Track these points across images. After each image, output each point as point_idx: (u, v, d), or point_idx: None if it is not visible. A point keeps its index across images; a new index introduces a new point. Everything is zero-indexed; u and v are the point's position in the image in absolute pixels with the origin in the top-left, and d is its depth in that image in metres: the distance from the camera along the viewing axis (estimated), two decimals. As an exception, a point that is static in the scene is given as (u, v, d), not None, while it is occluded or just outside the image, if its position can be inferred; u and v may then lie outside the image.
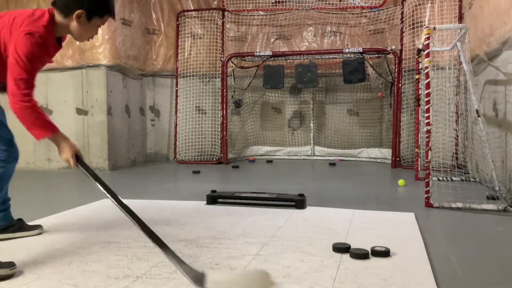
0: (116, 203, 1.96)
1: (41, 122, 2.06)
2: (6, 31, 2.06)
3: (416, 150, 4.77)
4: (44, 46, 2.07)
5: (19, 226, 2.50)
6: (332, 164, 6.28)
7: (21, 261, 2.04)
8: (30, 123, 2.03)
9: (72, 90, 5.84)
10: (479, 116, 3.63)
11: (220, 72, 6.60)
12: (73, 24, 2.13)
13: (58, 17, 2.12)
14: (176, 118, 6.71)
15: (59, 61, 5.77)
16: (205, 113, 6.78)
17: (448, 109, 5.26)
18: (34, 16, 2.08)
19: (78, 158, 2.08)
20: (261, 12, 6.86)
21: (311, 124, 7.07)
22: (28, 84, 2.01)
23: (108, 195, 1.99)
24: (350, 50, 6.27)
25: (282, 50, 6.86)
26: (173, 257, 1.73)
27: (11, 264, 1.90)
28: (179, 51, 6.76)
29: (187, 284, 1.76)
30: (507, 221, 2.87)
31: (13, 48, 2.00)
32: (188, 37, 6.77)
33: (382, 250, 2.10)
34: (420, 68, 4.65)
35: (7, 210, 2.50)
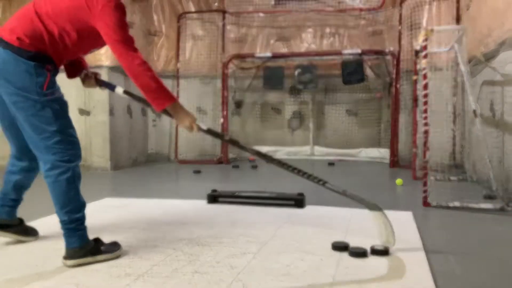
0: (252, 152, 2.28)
1: (164, 89, 2.06)
2: (82, 10, 1.97)
3: (414, 150, 4.80)
4: (124, 11, 2.04)
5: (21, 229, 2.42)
6: (331, 164, 6.31)
7: (21, 261, 2.07)
8: (153, 92, 2.02)
9: (74, 90, 5.84)
10: (476, 116, 3.66)
11: (220, 73, 6.63)
12: None
13: None
14: (177, 118, 6.72)
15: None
16: (206, 113, 6.81)
17: (445, 109, 5.29)
18: None
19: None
20: (261, 14, 6.88)
21: (311, 124, 7.09)
22: (136, 51, 2.00)
23: (239, 147, 2.28)
24: (349, 51, 6.30)
25: (282, 52, 6.88)
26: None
27: (117, 246, 2.07)
28: (180, 52, 6.78)
29: (188, 282, 1.79)
30: (504, 220, 2.90)
31: (104, 23, 1.96)
32: (189, 38, 6.80)
33: (381, 249, 2.13)
34: (418, 69, 4.68)
35: (14, 207, 2.40)
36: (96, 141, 5.79)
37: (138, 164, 6.52)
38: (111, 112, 5.82)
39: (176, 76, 6.77)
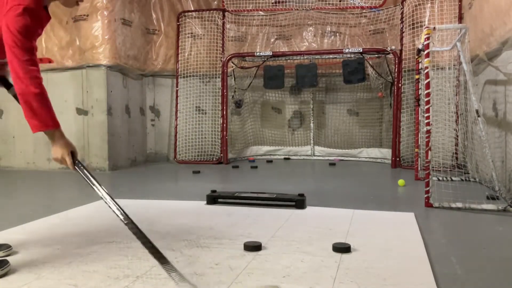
0: (110, 206, 1.89)
1: (47, 112, 1.87)
2: None
3: (416, 150, 4.77)
4: (37, 17, 1.89)
5: None
6: (332, 164, 6.28)
7: (21, 261, 2.05)
8: (32, 110, 1.84)
9: (72, 90, 5.84)
10: (479, 116, 3.63)
11: (220, 72, 6.60)
12: None
13: None
14: (176, 118, 6.71)
15: (59, 61, 5.77)
16: (205, 113, 6.78)
17: (448, 109, 5.26)
18: None
19: (73, 157, 1.94)
20: (261, 12, 6.86)
21: (311, 124, 7.07)
22: (34, 63, 1.85)
23: (103, 198, 1.91)
24: (350, 50, 6.28)
25: (282, 50, 6.86)
26: (169, 268, 1.75)
27: (4, 263, 1.87)
28: (179, 51, 6.76)
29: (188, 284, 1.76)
30: (507, 221, 2.87)
31: (5, 27, 1.82)
32: (188, 37, 6.77)
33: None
34: (420, 68, 4.65)
35: None
36: (94, 141, 5.76)
37: (137, 165, 6.49)
38: (109, 112, 5.80)
39: (175, 75, 6.74)
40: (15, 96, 2.02)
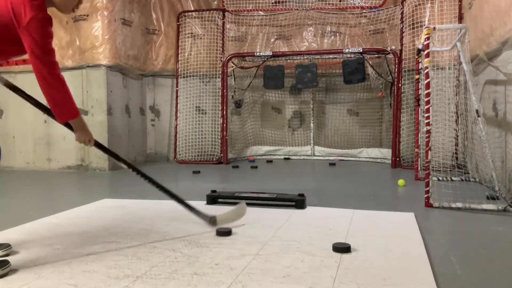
0: (136, 172, 2.49)
1: (70, 103, 2.13)
2: (7, 17, 2.00)
3: (416, 150, 4.77)
4: (51, 23, 2.08)
5: None
6: (332, 164, 6.28)
7: (21, 261, 2.05)
8: (56, 102, 2.07)
9: (72, 90, 5.71)
10: (479, 116, 3.63)
11: (220, 72, 6.60)
12: None
13: None
14: (176, 118, 6.71)
15: (59, 61, 5.68)
16: (205, 113, 6.78)
17: (448, 109, 5.26)
18: None
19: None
20: (261, 12, 6.86)
21: (311, 124, 7.07)
22: (55, 64, 2.06)
23: (128, 167, 2.45)
24: (350, 50, 6.28)
25: (282, 50, 6.86)
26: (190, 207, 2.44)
27: (4, 263, 1.89)
28: (179, 51, 6.76)
29: (187, 284, 1.76)
30: (507, 221, 2.87)
31: (29, 36, 1.99)
32: (188, 37, 6.77)
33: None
34: (420, 68, 4.65)
35: None
36: (94, 140, 5.75)
37: (137, 165, 6.46)
38: (109, 112, 5.80)
39: (175, 75, 6.74)
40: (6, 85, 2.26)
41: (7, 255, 2.13)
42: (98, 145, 2.33)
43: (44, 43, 2.02)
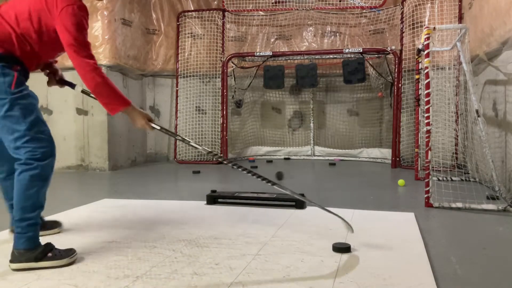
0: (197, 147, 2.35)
1: (117, 94, 2.11)
2: (43, 12, 2.00)
3: (416, 150, 4.77)
4: (87, 13, 2.09)
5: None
6: (332, 164, 6.28)
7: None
8: (106, 97, 2.06)
9: (72, 90, 5.83)
10: (479, 116, 3.63)
11: (220, 72, 6.60)
12: None
13: None
14: (176, 118, 6.71)
15: (60, 61, 5.73)
16: (205, 113, 6.78)
17: (448, 109, 5.26)
18: None
19: (150, 121, 2.21)
20: (261, 12, 6.85)
21: (311, 124, 7.07)
22: (92, 56, 2.03)
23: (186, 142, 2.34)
24: (350, 50, 6.27)
25: (282, 50, 6.86)
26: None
27: (71, 252, 2.00)
28: (179, 51, 6.76)
29: (187, 284, 1.76)
30: (507, 221, 2.87)
31: (62, 27, 1.97)
32: (188, 37, 6.77)
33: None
34: (420, 68, 4.65)
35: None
36: (94, 141, 5.76)
37: (137, 164, 6.49)
38: (110, 112, 5.79)
39: (175, 75, 6.74)
40: (83, 92, 2.37)
41: (57, 233, 2.46)
42: (159, 128, 2.27)
43: (78, 34, 1.98)
